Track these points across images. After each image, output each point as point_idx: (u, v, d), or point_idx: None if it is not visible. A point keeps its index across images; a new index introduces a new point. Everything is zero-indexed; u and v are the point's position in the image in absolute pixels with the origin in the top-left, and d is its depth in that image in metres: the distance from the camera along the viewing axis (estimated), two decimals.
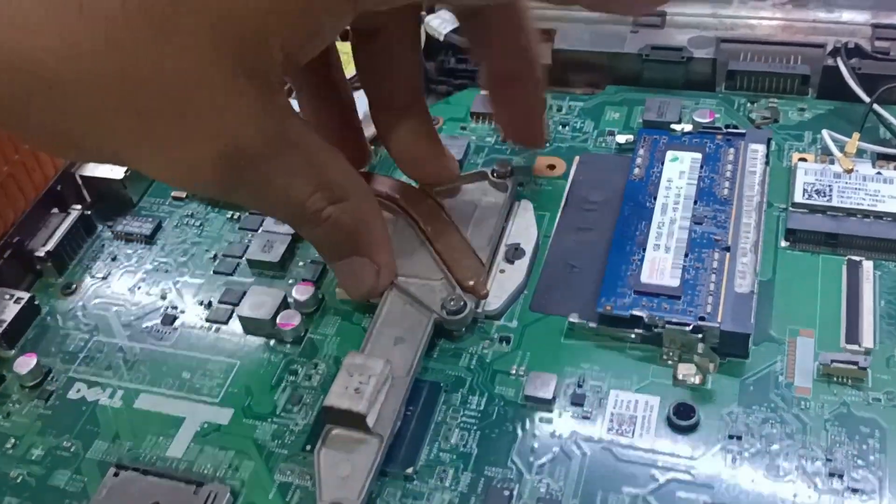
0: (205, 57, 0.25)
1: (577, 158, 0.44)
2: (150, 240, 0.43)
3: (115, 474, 0.33)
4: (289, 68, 0.29)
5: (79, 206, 0.43)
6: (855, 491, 0.30)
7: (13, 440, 0.35)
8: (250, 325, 0.38)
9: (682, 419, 0.33)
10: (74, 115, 0.26)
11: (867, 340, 0.34)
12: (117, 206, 0.45)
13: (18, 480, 0.34)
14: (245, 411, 0.35)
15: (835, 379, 0.34)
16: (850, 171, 0.39)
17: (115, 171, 0.44)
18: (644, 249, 0.37)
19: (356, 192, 0.33)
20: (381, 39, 0.35)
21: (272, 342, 0.38)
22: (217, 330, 0.39)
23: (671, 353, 0.35)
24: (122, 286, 0.41)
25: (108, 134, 0.26)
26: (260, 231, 0.42)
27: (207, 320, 0.39)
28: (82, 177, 0.44)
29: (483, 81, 0.40)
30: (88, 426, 0.36)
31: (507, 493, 0.32)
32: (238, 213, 0.44)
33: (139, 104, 0.25)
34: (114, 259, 0.43)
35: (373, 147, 0.42)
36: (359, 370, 0.33)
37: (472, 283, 0.37)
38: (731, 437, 0.32)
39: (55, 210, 0.43)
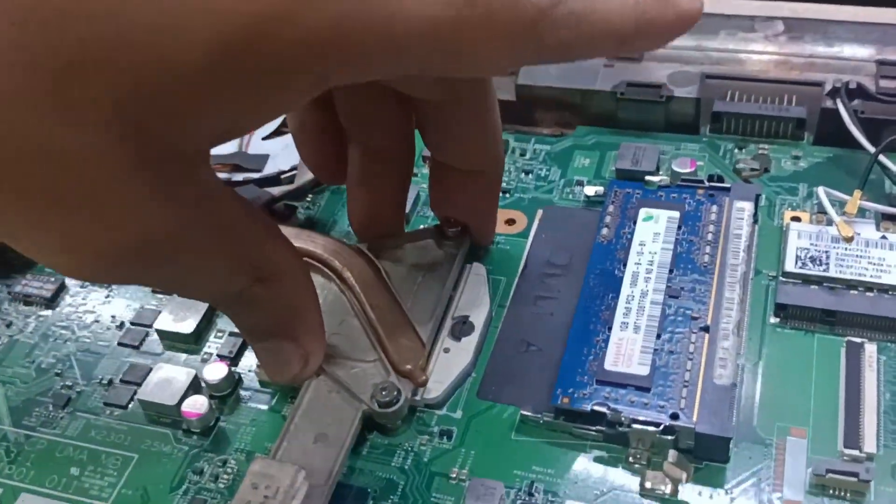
0: (106, 137, 0.20)
1: (539, 212, 0.39)
2: (51, 303, 0.38)
3: None
4: (224, 140, 0.24)
5: None
6: None
7: None
8: (153, 411, 0.33)
9: None
10: None
11: (869, 444, 0.29)
12: (17, 262, 0.39)
13: None
14: None
15: (831, 491, 0.28)
16: (849, 240, 0.34)
17: None
18: (609, 329, 0.32)
19: (289, 271, 0.28)
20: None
21: (178, 432, 0.33)
22: (116, 415, 0.33)
23: (639, 456, 0.30)
24: (13, 358, 0.36)
25: None
26: (174, 297, 0.37)
27: (105, 403, 0.34)
28: None
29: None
30: None
31: None
32: None
33: (25, 182, 0.20)
34: (8, 325, 0.37)
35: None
36: (265, 480, 0.28)
37: (409, 366, 0.32)
38: None
39: None
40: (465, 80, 0.30)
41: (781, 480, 0.29)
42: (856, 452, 0.29)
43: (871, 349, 0.32)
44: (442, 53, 0.22)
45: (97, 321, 0.37)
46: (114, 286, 0.38)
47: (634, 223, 0.36)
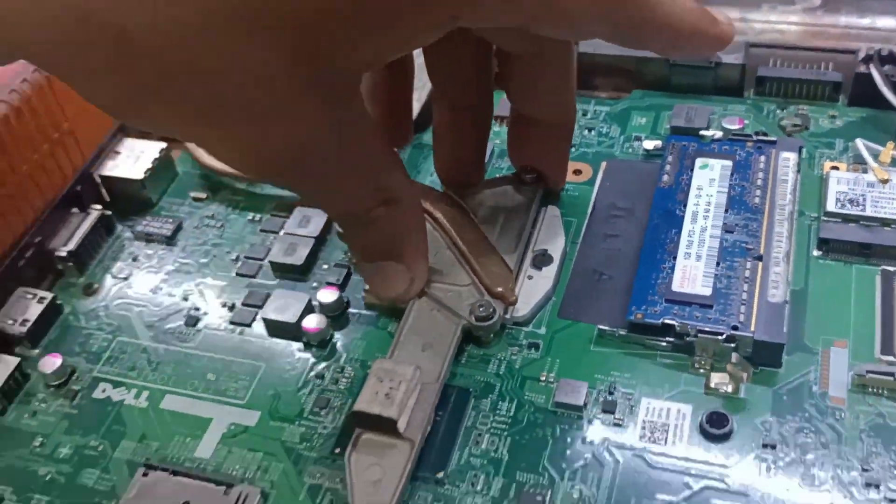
0: (283, 60, 0.25)
1: (603, 164, 0.43)
2: (170, 240, 0.43)
3: (145, 474, 0.33)
4: (371, 68, 0.28)
5: (99, 207, 0.43)
6: (892, 502, 0.30)
7: (40, 439, 0.35)
8: (275, 329, 0.38)
9: (715, 428, 0.32)
10: (148, 77, 0.24)
11: None
12: (137, 206, 0.44)
13: (47, 478, 0.34)
14: (272, 413, 0.35)
15: (870, 389, 0.33)
16: (885, 182, 0.39)
17: (135, 172, 0.44)
18: (675, 257, 0.37)
19: (408, 198, 0.33)
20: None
21: (297, 345, 0.37)
22: (241, 332, 0.38)
23: (703, 363, 0.35)
24: (143, 287, 0.41)
25: (176, 108, 0.25)
26: (282, 234, 0.42)
27: (231, 322, 0.39)
28: (102, 177, 0.44)
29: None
30: (115, 426, 0.35)
31: (539, 498, 0.31)
32: (259, 215, 0.43)
33: (215, 88, 0.25)
34: (134, 259, 0.42)
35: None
36: (388, 375, 0.33)
37: (500, 289, 0.37)
38: (765, 445, 0.32)
39: (75, 210, 0.43)
40: (552, 38, 0.35)
41: (827, 381, 0.34)
42: (891, 358, 0.34)
43: None
44: (545, 8, 0.27)
45: (215, 256, 0.42)
46: (225, 226, 0.43)
47: (692, 170, 0.41)
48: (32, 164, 0.42)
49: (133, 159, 0.44)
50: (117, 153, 0.45)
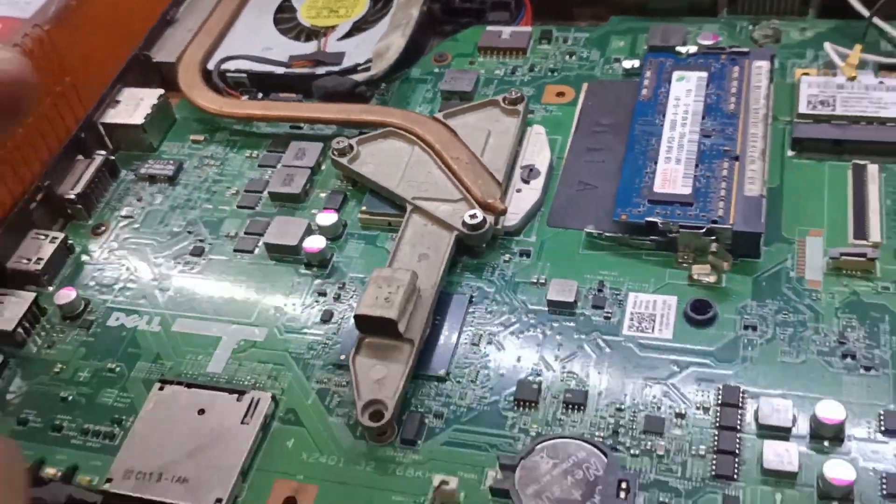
0: None
1: (585, 85, 0.45)
2: (172, 180, 0.44)
3: (161, 388, 0.34)
4: None
5: (103, 152, 0.45)
6: (868, 368, 0.32)
7: (60, 365, 0.37)
8: (277, 252, 0.40)
9: (699, 314, 0.34)
10: None
11: (874, 235, 0.36)
12: (138, 150, 0.46)
13: (69, 400, 0.36)
14: (279, 329, 0.37)
15: (844, 272, 0.35)
16: (853, 79, 0.40)
17: (135, 118, 0.45)
18: (656, 162, 0.39)
19: None
20: None
21: (299, 267, 0.39)
22: (244, 259, 0.40)
23: (686, 258, 0.36)
24: (149, 223, 0.43)
25: None
26: (279, 167, 0.43)
27: (235, 250, 0.40)
28: (103, 124, 0.46)
29: None
30: (130, 349, 0.37)
31: (534, 386, 0.33)
32: (256, 152, 0.45)
33: None
34: (139, 199, 0.44)
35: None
36: (387, 282, 0.34)
37: (490, 200, 0.38)
38: (746, 327, 0.34)
39: (80, 157, 0.45)
40: None
41: (804, 267, 0.35)
42: (864, 242, 0.36)
43: (873, 168, 0.38)
44: None
45: (215, 192, 0.43)
46: (224, 164, 0.45)
47: (669, 83, 0.42)
48: (38, 116, 0.44)
49: (133, 107, 0.46)
50: (117, 102, 0.46)
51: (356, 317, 0.34)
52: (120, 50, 0.49)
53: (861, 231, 0.36)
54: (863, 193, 0.37)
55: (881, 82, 0.41)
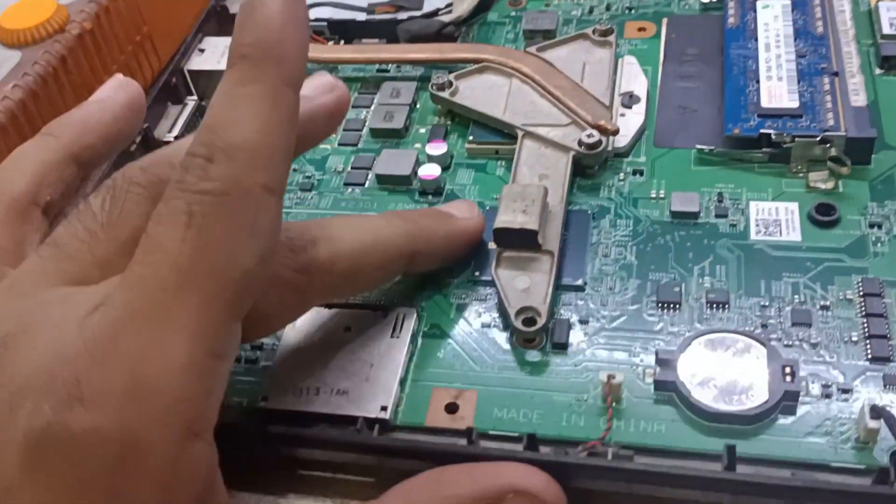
0: None
1: (665, 20, 0.46)
2: None
3: None
4: None
5: (194, 97, 0.45)
6: None
7: None
8: (389, 184, 0.40)
9: (824, 216, 0.35)
10: None
11: None
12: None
13: None
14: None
15: None
16: None
17: (223, 64, 0.45)
18: (757, 81, 0.40)
19: None
20: None
21: (414, 196, 0.40)
22: (356, 191, 0.40)
23: (800, 167, 0.37)
24: None
25: None
26: (375, 105, 0.44)
27: (345, 184, 0.41)
28: (190, 71, 0.46)
29: None
30: None
31: (676, 289, 0.34)
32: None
33: None
34: None
35: None
36: (520, 196, 0.35)
37: (601, 121, 0.39)
38: (871, 225, 0.35)
39: (169, 103, 0.45)
40: None
41: None
42: None
43: None
44: None
45: None
46: None
47: (755, 11, 0.44)
48: (121, 64, 0.44)
49: (219, 54, 0.46)
50: (202, 50, 0.46)
51: (496, 230, 0.34)
52: (195, 1, 0.49)
53: None
54: None
55: None
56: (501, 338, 0.33)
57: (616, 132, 0.39)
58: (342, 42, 0.48)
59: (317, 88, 0.30)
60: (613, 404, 0.30)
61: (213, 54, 0.46)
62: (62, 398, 0.22)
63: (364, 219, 0.34)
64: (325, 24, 0.48)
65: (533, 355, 0.33)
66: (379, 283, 0.34)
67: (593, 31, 0.44)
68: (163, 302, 0.23)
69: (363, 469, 0.31)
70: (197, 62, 0.46)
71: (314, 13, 0.48)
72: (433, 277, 0.36)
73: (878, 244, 0.34)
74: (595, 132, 0.38)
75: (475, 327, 0.34)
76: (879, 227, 0.35)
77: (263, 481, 0.32)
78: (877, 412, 0.28)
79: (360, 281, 0.32)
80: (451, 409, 0.31)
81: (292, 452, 0.31)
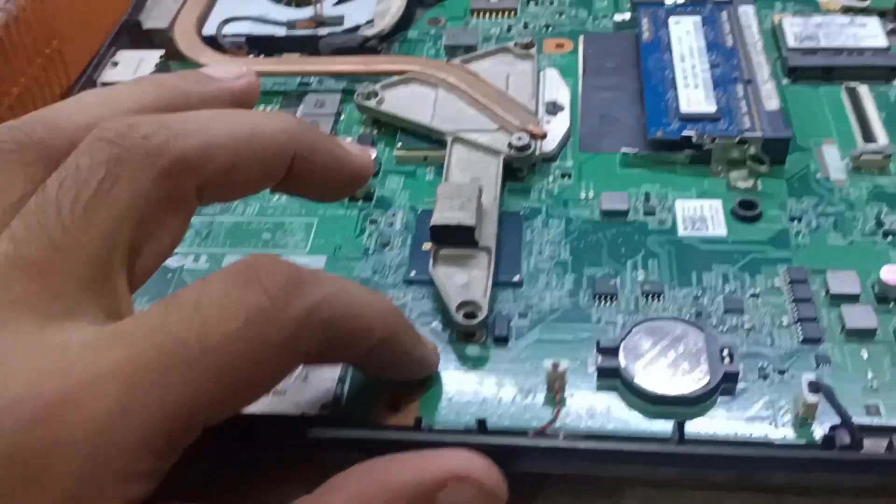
0: None
1: (581, 37, 0.47)
2: None
3: None
4: None
5: None
6: None
7: None
8: None
9: (747, 210, 0.36)
10: None
11: (882, 139, 0.39)
12: None
13: None
14: (338, 255, 0.36)
15: (863, 170, 0.38)
16: (837, 10, 0.45)
17: (138, 74, 0.44)
18: (675, 88, 0.41)
19: None
20: None
21: (345, 202, 0.39)
22: (283, 198, 0.39)
23: (720, 168, 0.39)
24: None
25: None
26: (300, 116, 0.43)
27: (272, 190, 0.39)
28: (104, 84, 0.44)
29: None
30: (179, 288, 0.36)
31: (611, 282, 0.34)
32: (269, 108, 0.45)
33: None
34: None
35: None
36: (455, 193, 0.35)
37: (529, 126, 0.40)
38: (792, 218, 0.36)
39: None
40: None
41: (827, 169, 0.39)
42: (874, 145, 0.39)
43: (864, 88, 0.42)
44: None
45: None
46: None
47: (667, 27, 0.45)
48: (29, 77, 0.42)
49: (133, 68, 0.45)
50: (115, 63, 0.45)
51: (433, 227, 0.34)
52: (105, 16, 0.48)
53: (869, 136, 0.40)
54: (861, 108, 0.41)
55: (851, 21, 0.45)
56: (442, 336, 0.33)
57: (544, 136, 0.40)
58: (262, 58, 0.47)
59: (227, 72, 0.29)
60: (560, 392, 0.30)
61: (126, 67, 0.45)
62: None
63: (239, 111, 0.29)
64: (243, 39, 0.47)
65: (474, 350, 0.32)
66: (260, 185, 0.29)
67: (514, 45, 0.44)
68: None
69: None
70: (111, 75, 0.44)
71: (232, 29, 0.47)
72: (367, 280, 0.35)
73: (799, 236, 0.36)
74: (524, 135, 0.39)
75: (416, 326, 0.33)
76: (799, 220, 0.36)
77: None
78: (815, 387, 0.29)
79: (239, 181, 0.27)
80: (395, 406, 0.31)
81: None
